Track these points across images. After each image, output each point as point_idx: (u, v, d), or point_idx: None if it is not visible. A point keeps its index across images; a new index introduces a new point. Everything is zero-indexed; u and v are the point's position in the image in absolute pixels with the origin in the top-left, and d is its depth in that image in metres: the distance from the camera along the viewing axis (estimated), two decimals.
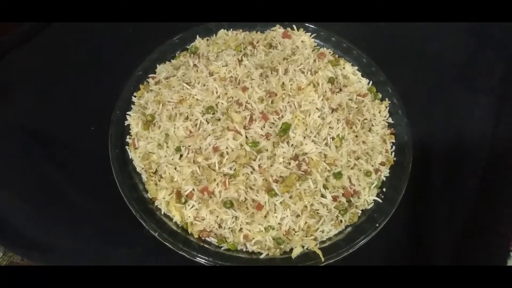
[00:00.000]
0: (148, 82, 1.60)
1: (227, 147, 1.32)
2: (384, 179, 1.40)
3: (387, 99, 1.60)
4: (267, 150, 1.33)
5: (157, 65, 1.64)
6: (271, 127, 1.37)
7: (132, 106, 1.54)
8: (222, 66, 1.51)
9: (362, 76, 1.67)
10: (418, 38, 1.85)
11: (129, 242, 1.33)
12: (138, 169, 1.42)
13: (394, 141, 1.51)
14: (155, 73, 1.63)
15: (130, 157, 1.44)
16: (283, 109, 1.40)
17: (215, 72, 1.49)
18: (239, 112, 1.38)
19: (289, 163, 1.32)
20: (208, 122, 1.38)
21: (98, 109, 1.56)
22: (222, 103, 1.41)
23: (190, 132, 1.37)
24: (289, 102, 1.42)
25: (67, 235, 1.35)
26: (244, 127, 1.36)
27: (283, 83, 1.47)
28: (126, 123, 1.50)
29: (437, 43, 1.86)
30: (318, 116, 1.39)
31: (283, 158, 1.32)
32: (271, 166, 1.32)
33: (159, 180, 1.38)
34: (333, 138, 1.39)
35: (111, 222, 1.37)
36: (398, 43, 1.84)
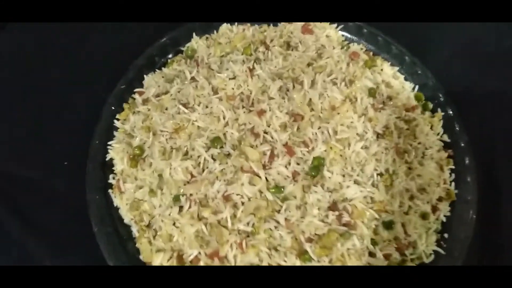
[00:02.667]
0: (134, 100, 1.24)
1: (241, 195, 0.99)
2: (444, 219, 1.07)
3: (439, 109, 1.24)
4: (295, 197, 1.00)
5: (145, 75, 1.28)
6: (298, 164, 1.04)
7: (114, 133, 1.18)
8: (229, 78, 1.15)
9: (405, 79, 1.31)
10: (474, 30, 1.46)
11: None
12: (126, 220, 1.09)
13: (453, 166, 1.16)
14: (142, 86, 1.26)
15: (115, 205, 1.10)
16: (313, 138, 1.06)
17: (220, 88, 1.14)
18: (256, 146, 1.03)
19: (327, 216, 0.99)
20: (214, 160, 1.04)
21: (71, 137, 1.23)
22: (232, 133, 1.06)
23: (192, 175, 1.03)
24: (320, 127, 1.07)
25: None
26: (264, 166, 1.02)
27: (310, 100, 1.11)
28: (108, 157, 1.15)
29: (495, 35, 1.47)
30: (361, 147, 1.04)
31: (318, 208, 0.99)
32: (301, 219, 0.99)
33: (154, 237, 1.05)
34: (381, 175, 1.05)
35: None
36: (444, 36, 1.44)
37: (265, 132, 1.05)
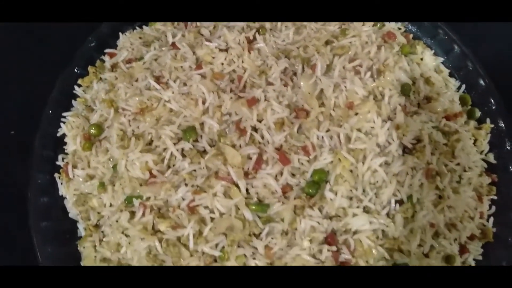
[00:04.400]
0: (103, 63, 0.99)
1: (212, 210, 0.75)
2: (473, 263, 0.84)
3: (488, 120, 0.95)
4: (282, 220, 0.76)
5: (120, 33, 1.02)
6: (294, 175, 0.78)
7: (73, 102, 0.94)
8: (219, 50, 0.88)
9: (451, 74, 1.01)
10: None
11: None
12: (71, 215, 0.87)
13: (495, 197, 0.90)
14: (115, 46, 1.01)
15: (60, 193, 0.88)
16: (318, 144, 0.79)
17: (205, 61, 0.88)
18: (239, 146, 0.77)
19: (320, 251, 0.74)
20: (184, 157, 0.79)
21: (23, 103, 1.05)
22: (212, 124, 0.80)
23: (151, 174, 0.78)
24: (329, 130, 0.81)
25: None
26: (246, 175, 0.77)
27: (322, 91, 0.84)
28: (60, 131, 0.91)
29: None
30: (380, 164, 0.77)
31: (310, 239, 0.74)
32: (287, 248, 0.75)
33: (100, 243, 0.83)
34: (401, 203, 0.79)
35: None
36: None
37: (255, 129, 0.79)
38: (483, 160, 0.97)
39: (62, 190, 0.90)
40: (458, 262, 0.87)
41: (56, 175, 0.91)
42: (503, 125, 0.99)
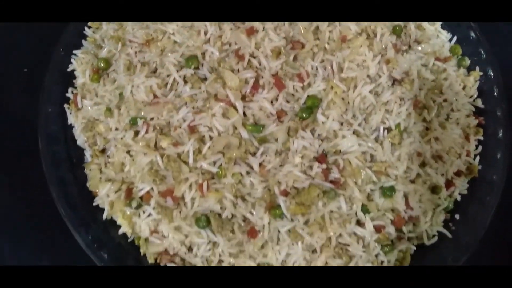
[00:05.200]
0: None
1: (210, 128, 0.80)
2: (459, 198, 0.88)
3: (478, 68, 0.99)
4: (276, 140, 0.81)
5: None
6: (288, 102, 0.83)
7: (83, 41, 1.00)
8: None
9: (443, 27, 1.06)
10: None
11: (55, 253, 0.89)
12: (79, 142, 0.93)
13: (482, 137, 0.94)
14: None
15: (69, 122, 0.94)
16: (312, 73, 0.84)
17: None
18: (238, 70, 0.82)
19: (310, 167, 0.79)
20: (186, 83, 0.84)
21: (35, 43, 1.09)
22: (212, 52, 0.85)
23: (155, 96, 0.83)
24: (323, 61, 0.85)
25: None
26: (243, 97, 0.82)
27: (317, 27, 0.89)
28: (71, 67, 0.97)
29: None
30: (370, 91, 0.82)
31: (302, 157, 0.79)
32: (280, 166, 0.80)
33: (106, 166, 0.88)
34: (389, 130, 0.84)
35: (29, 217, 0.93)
36: None
37: (253, 56, 0.84)
38: (472, 105, 1.02)
39: (71, 119, 0.95)
40: (444, 194, 0.91)
41: (65, 105, 0.96)
42: (492, 73, 1.03)
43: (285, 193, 0.79)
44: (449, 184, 0.92)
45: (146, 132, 0.82)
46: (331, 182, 0.80)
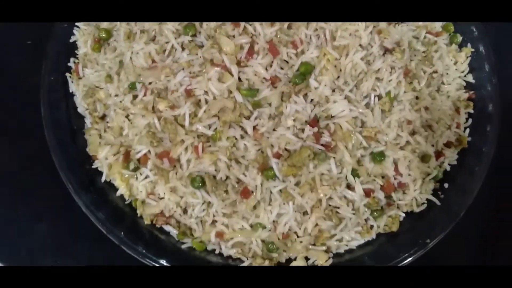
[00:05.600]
0: None
1: (206, 92, 0.83)
2: (449, 168, 0.91)
3: (469, 45, 1.02)
4: (270, 104, 0.83)
5: None
6: (282, 68, 0.86)
7: None
8: None
9: None
10: None
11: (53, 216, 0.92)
12: (80, 109, 0.96)
13: (472, 111, 0.96)
14: None
15: (71, 91, 0.97)
16: (306, 41, 0.87)
17: None
18: (233, 36, 0.85)
19: (303, 130, 0.82)
20: (183, 49, 0.87)
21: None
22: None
23: (153, 61, 0.86)
24: (316, 29, 0.88)
25: None
26: (238, 63, 0.84)
27: None
28: (73, 38, 1.00)
29: None
30: (361, 58, 0.85)
31: (295, 120, 0.82)
32: (273, 131, 0.82)
33: (105, 131, 0.91)
34: (379, 97, 0.87)
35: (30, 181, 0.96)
36: None
37: (248, 22, 0.87)
38: (463, 80, 1.04)
39: (72, 87, 0.98)
40: (433, 163, 0.94)
41: (67, 74, 0.99)
42: (483, 50, 1.06)
43: (277, 156, 0.82)
44: (439, 154, 0.94)
45: (145, 95, 0.85)
46: (322, 145, 0.83)
